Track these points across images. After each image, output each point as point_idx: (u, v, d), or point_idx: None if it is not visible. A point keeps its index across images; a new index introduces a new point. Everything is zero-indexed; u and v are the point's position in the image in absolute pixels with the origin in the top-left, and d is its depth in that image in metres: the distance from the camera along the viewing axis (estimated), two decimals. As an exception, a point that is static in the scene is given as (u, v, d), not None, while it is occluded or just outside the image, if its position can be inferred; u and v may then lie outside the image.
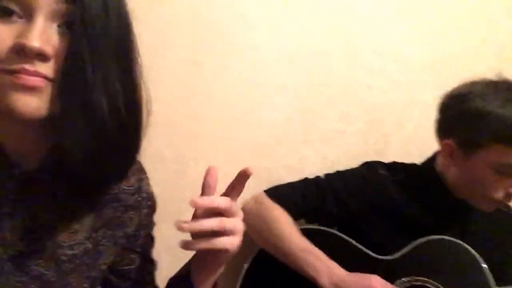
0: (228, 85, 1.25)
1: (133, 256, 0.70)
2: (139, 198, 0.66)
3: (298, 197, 1.11)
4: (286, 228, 1.06)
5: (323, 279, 0.99)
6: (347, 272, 1.00)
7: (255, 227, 1.09)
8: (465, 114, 1.01)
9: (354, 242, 1.07)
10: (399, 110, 1.40)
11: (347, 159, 1.32)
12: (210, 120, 1.24)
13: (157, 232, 1.18)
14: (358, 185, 1.11)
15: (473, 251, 1.02)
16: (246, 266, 1.11)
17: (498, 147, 0.96)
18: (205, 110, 1.24)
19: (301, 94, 1.31)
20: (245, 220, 1.09)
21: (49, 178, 0.54)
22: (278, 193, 1.12)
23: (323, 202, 1.10)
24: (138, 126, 0.57)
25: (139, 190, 0.66)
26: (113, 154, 0.54)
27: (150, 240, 0.73)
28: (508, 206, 1.17)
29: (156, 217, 1.18)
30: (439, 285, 1.00)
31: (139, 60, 0.56)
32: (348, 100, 1.35)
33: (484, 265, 1.01)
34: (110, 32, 0.51)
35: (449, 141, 1.04)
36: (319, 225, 1.12)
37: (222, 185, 1.28)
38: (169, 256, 1.20)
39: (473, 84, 1.03)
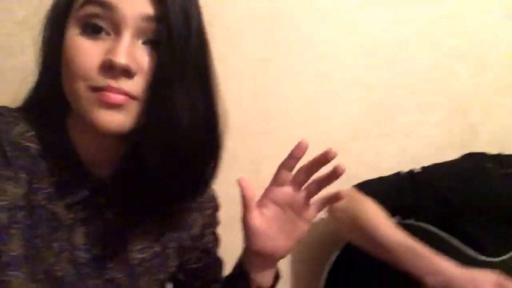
0: (301, 80, 1.23)
1: (199, 254, 0.71)
2: (202, 200, 0.68)
3: (393, 191, 1.04)
4: (383, 223, 0.99)
5: (429, 278, 0.90)
6: (459, 268, 0.90)
7: (350, 224, 1.03)
8: None
9: (455, 240, 0.99)
10: (488, 96, 1.28)
11: (428, 152, 1.24)
12: (283, 118, 1.24)
13: (232, 229, 1.21)
14: (460, 178, 1.02)
15: None
16: (332, 259, 1.09)
17: None
18: (277, 108, 1.23)
19: (377, 86, 1.25)
20: (337, 216, 1.07)
21: (120, 186, 0.57)
22: (371, 188, 1.06)
23: (421, 197, 1.03)
24: (217, 142, 0.58)
25: (207, 204, 0.68)
26: (190, 168, 0.55)
27: (214, 238, 0.74)
28: None
29: (231, 220, 1.21)
30: None
31: (215, 72, 0.57)
32: (428, 89, 1.27)
33: None
34: (192, 48, 0.52)
35: None
36: (415, 221, 1.04)
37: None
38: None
39: None
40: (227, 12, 1.17)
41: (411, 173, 1.07)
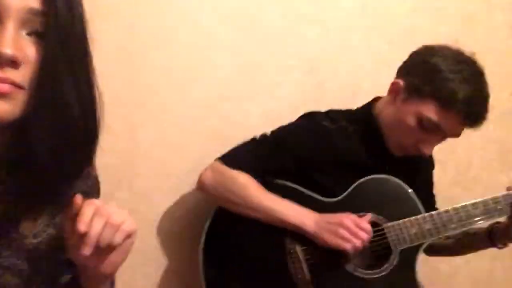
0: (168, 48, 1.27)
1: None
2: (90, 183, 0.70)
3: (254, 159, 1.16)
4: (253, 189, 1.12)
5: (306, 222, 1.09)
6: (321, 213, 1.10)
7: (222, 196, 1.14)
8: (423, 65, 1.10)
9: (306, 190, 1.16)
10: (332, 57, 1.47)
11: (288, 110, 1.39)
12: (154, 85, 1.27)
13: (113, 199, 1.23)
14: (305, 137, 1.18)
15: (402, 182, 1.16)
16: (207, 225, 1.18)
17: (433, 103, 1.06)
18: (148, 75, 1.26)
19: (240, 51, 1.35)
20: (209, 191, 1.16)
21: (6, 172, 0.57)
22: (234, 160, 1.16)
23: (278, 158, 1.17)
24: (98, 126, 0.60)
25: (88, 175, 0.70)
26: (75, 153, 0.58)
27: None
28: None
29: (112, 186, 1.23)
30: (380, 217, 1.12)
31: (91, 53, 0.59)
32: (284, 52, 1.41)
33: (410, 190, 1.15)
34: (76, 38, 0.54)
35: (399, 81, 1.13)
36: (276, 180, 1.19)
37: (172, 149, 1.33)
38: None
39: (447, 47, 1.12)
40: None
41: (264, 138, 1.20)
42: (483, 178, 1.80)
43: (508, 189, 1.12)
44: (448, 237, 1.24)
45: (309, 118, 1.22)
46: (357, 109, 1.26)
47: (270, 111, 1.39)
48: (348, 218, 1.06)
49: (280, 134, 1.20)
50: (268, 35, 1.38)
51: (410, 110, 1.09)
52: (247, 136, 1.27)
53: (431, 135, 1.09)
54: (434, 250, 1.23)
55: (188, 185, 1.31)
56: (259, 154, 1.17)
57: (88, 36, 0.58)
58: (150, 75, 1.25)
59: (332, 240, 1.06)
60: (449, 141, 1.64)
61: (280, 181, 1.18)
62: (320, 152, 1.16)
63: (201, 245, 1.17)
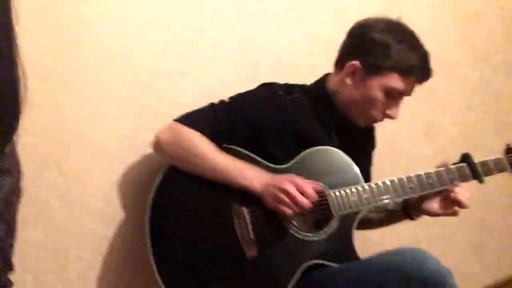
0: (98, 21, 1.21)
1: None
2: (11, 162, 0.66)
3: (210, 121, 1.18)
4: (208, 148, 1.14)
5: (254, 183, 1.11)
6: (272, 174, 1.14)
7: (177, 154, 1.15)
8: (375, 43, 1.20)
9: (256, 157, 1.19)
10: (267, 33, 1.48)
11: (222, 86, 1.39)
12: (83, 60, 1.20)
13: (41, 180, 1.17)
14: (261, 104, 1.22)
15: (345, 155, 1.22)
16: (157, 180, 1.17)
17: (395, 75, 1.18)
18: (75, 50, 1.19)
19: (172, 25, 1.32)
20: (164, 149, 1.15)
21: None
22: (191, 120, 1.18)
23: (233, 123, 1.19)
24: (18, 104, 0.57)
25: (11, 154, 0.66)
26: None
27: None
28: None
29: (39, 167, 1.17)
30: (323, 185, 1.17)
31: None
32: (218, 28, 1.39)
33: (352, 162, 1.21)
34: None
35: (355, 63, 1.21)
36: (229, 144, 1.20)
37: (103, 127, 1.28)
38: (58, 202, 1.21)
39: (379, 20, 1.24)
40: None
41: (223, 102, 1.23)
42: (409, 151, 1.92)
43: (440, 165, 1.21)
44: (372, 211, 1.33)
45: (267, 87, 1.26)
46: (312, 84, 1.32)
47: (205, 88, 1.38)
48: (290, 183, 1.09)
49: (237, 99, 1.23)
50: (203, 10, 1.36)
51: (374, 85, 1.20)
52: (182, 112, 1.25)
53: (396, 100, 1.23)
54: (359, 224, 1.28)
55: (121, 164, 1.28)
56: (215, 117, 1.19)
57: (11, 9, 0.55)
58: (78, 49, 1.19)
59: (272, 204, 1.10)
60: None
61: (231, 146, 1.19)
62: (273, 120, 1.21)
63: (147, 217, 1.15)
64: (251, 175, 1.12)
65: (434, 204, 1.21)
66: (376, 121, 1.28)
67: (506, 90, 2.24)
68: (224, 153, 1.15)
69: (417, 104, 1.93)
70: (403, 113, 1.90)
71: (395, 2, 1.77)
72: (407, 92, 1.22)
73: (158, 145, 1.18)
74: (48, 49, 1.15)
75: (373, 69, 1.19)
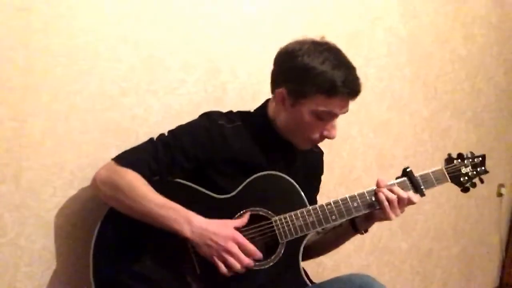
0: (67, 36, 1.20)
1: None
2: None
3: (149, 158, 1.16)
4: (141, 189, 1.11)
5: (185, 229, 1.07)
6: (207, 220, 1.10)
7: (112, 195, 1.12)
8: (296, 69, 1.18)
9: (200, 188, 1.18)
10: (234, 59, 1.52)
11: (189, 107, 1.40)
12: (48, 72, 1.18)
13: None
14: (202, 136, 1.20)
15: (289, 178, 1.23)
16: (98, 227, 1.15)
17: (320, 97, 1.17)
18: (42, 61, 1.17)
19: (143, 44, 1.32)
20: (99, 189, 1.12)
21: None
22: (129, 159, 1.15)
23: (173, 158, 1.17)
24: None
25: None
26: None
27: None
28: (317, 147, 1.42)
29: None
30: (269, 211, 1.18)
31: None
32: (189, 49, 1.42)
33: (296, 185, 1.23)
34: None
35: (282, 90, 1.22)
36: (172, 178, 1.19)
37: (65, 141, 1.26)
38: (12, 216, 1.17)
39: (302, 43, 1.22)
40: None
41: (161, 137, 1.21)
42: (363, 179, 1.99)
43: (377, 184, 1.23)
44: (318, 232, 1.34)
45: (207, 117, 1.26)
46: (254, 111, 1.34)
47: (171, 107, 1.39)
48: (233, 242, 1.08)
49: (175, 132, 1.22)
50: (172, 31, 1.38)
51: (303, 111, 1.19)
52: (148, 131, 1.26)
53: (329, 121, 1.21)
54: (306, 250, 1.27)
55: (82, 180, 1.25)
56: (154, 154, 1.17)
57: None
58: (44, 60, 1.17)
59: (209, 256, 1.08)
60: (336, 147, 1.80)
61: (174, 179, 1.18)
62: (214, 150, 1.20)
63: (93, 242, 1.13)
64: (183, 219, 1.08)
65: (379, 212, 1.22)
66: (316, 142, 1.27)
67: (454, 126, 2.39)
68: (157, 193, 1.11)
69: (373, 135, 2.03)
70: (359, 142, 2.00)
71: (355, 37, 1.87)
72: (339, 110, 1.20)
73: (94, 183, 1.16)
74: (11, 58, 1.13)
75: (298, 94, 1.18)
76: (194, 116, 1.28)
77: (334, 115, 1.21)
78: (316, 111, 1.18)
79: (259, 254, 1.10)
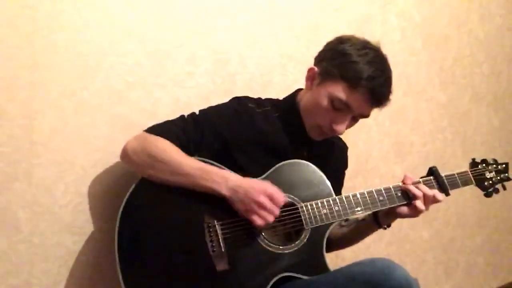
0: (73, 31, 1.20)
1: None
2: None
3: (179, 131, 1.18)
4: (176, 153, 1.13)
5: (222, 187, 1.10)
6: (244, 177, 1.12)
7: (146, 162, 1.12)
8: (335, 51, 1.20)
9: (227, 169, 1.16)
10: (242, 49, 1.50)
11: (198, 100, 1.39)
12: (56, 68, 1.19)
13: (9, 190, 1.14)
14: (231, 117, 1.22)
15: (317, 168, 1.23)
16: (128, 193, 1.14)
17: (342, 84, 1.16)
18: (49, 58, 1.18)
19: (149, 38, 1.32)
20: (131, 158, 1.12)
21: None
22: (160, 130, 1.17)
23: (202, 135, 1.19)
24: None
25: None
26: None
27: None
28: (342, 141, 1.42)
29: (7, 177, 1.15)
30: (295, 197, 1.18)
31: None
32: (195, 41, 1.41)
33: (323, 175, 1.23)
34: None
35: (315, 67, 1.23)
36: (198, 157, 1.19)
37: (75, 137, 1.27)
38: (26, 213, 1.18)
39: (356, 37, 1.22)
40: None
41: (193, 115, 1.24)
42: (380, 169, 1.95)
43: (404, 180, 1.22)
44: (342, 226, 1.35)
45: (237, 100, 1.28)
46: (284, 98, 1.35)
47: (180, 100, 1.39)
48: (264, 196, 1.09)
49: (207, 112, 1.24)
50: (178, 23, 1.38)
51: (323, 92, 1.19)
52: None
53: (342, 114, 1.19)
54: (329, 242, 1.26)
55: (94, 176, 1.26)
56: (184, 128, 1.19)
57: None
58: (52, 57, 1.18)
59: (243, 211, 1.10)
60: (351, 136, 1.76)
61: (202, 158, 1.18)
62: (242, 133, 1.21)
63: (117, 229, 1.11)
64: (219, 178, 1.11)
65: (404, 208, 1.22)
66: (325, 133, 1.24)
67: (473, 111, 2.32)
68: (191, 157, 1.14)
69: (389, 123, 1.98)
70: (375, 131, 1.96)
71: (366, 23, 1.83)
72: (356, 106, 1.18)
73: (125, 153, 1.16)
74: (20, 56, 1.14)
75: (325, 75, 1.19)
76: (202, 108, 1.27)
77: (349, 109, 1.18)
78: (333, 96, 1.17)
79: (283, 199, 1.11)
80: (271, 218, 1.09)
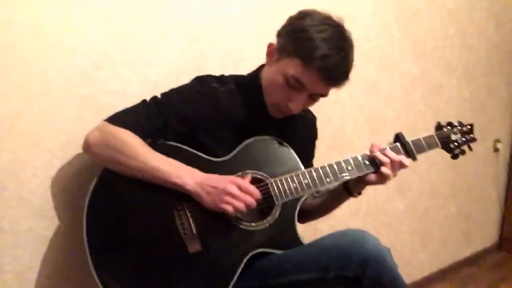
0: (35, 7, 1.15)
1: None
2: None
3: (141, 119, 1.15)
4: (140, 147, 1.10)
5: (188, 182, 1.08)
6: (208, 174, 1.11)
7: (109, 155, 1.10)
8: (293, 27, 1.16)
9: (195, 151, 1.17)
10: (214, 26, 1.47)
11: (168, 79, 1.36)
12: (16, 49, 1.14)
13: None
14: (194, 98, 1.19)
15: (284, 142, 1.24)
16: (94, 179, 1.13)
17: (296, 61, 1.11)
18: (6, 39, 1.13)
19: (117, 16, 1.28)
20: (94, 151, 1.10)
21: None
22: (122, 119, 1.13)
23: (166, 120, 1.16)
24: None
25: None
26: None
27: None
28: (310, 113, 1.41)
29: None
30: (264, 174, 1.18)
31: None
32: (162, 20, 1.37)
33: (291, 149, 1.24)
34: None
35: (272, 43, 1.20)
36: (165, 141, 1.18)
37: (41, 120, 1.23)
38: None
39: (317, 12, 1.16)
40: None
41: (155, 99, 1.20)
42: (355, 143, 1.97)
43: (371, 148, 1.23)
44: (315, 197, 1.36)
45: (199, 80, 1.24)
46: (247, 74, 1.31)
47: (150, 80, 1.35)
48: (232, 184, 1.08)
49: (169, 95, 1.21)
50: (149, 1, 1.33)
51: (279, 69, 1.16)
52: (125, 105, 1.22)
53: (297, 92, 1.15)
54: (304, 214, 1.29)
55: (61, 159, 1.23)
56: (146, 113, 1.16)
57: None
58: (12, 36, 1.13)
59: (211, 204, 1.08)
60: (325, 111, 1.77)
61: (166, 142, 1.17)
62: (206, 114, 1.19)
63: (84, 216, 1.10)
64: (183, 173, 1.09)
65: (372, 176, 1.21)
66: (282, 112, 1.21)
67: (445, 84, 2.35)
68: (154, 151, 1.11)
69: (362, 97, 1.99)
70: (349, 106, 1.96)
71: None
72: (310, 85, 1.13)
73: (87, 146, 1.13)
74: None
75: (282, 51, 1.15)
76: (174, 86, 1.25)
77: (303, 87, 1.14)
78: (287, 73, 1.13)
79: (258, 194, 1.10)
80: (240, 204, 1.07)
